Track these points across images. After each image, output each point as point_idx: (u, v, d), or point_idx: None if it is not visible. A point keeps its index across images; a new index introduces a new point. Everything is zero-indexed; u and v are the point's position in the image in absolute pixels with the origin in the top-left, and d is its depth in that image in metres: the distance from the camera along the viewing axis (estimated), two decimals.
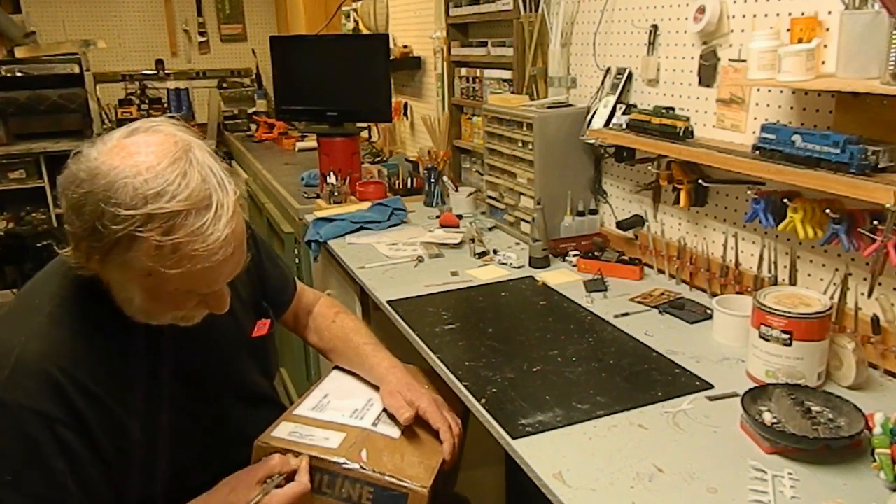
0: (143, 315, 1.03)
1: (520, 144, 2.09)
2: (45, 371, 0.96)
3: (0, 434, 0.93)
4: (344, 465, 1.13)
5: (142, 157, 0.92)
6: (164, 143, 0.95)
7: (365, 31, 3.63)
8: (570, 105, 2.07)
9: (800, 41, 1.33)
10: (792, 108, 1.44)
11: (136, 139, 0.96)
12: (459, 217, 2.40)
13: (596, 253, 1.92)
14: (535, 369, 1.36)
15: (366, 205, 2.51)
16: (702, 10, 1.58)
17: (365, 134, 3.67)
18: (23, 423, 0.93)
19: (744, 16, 1.52)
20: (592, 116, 1.95)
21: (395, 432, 1.22)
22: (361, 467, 1.13)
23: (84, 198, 0.91)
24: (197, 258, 0.93)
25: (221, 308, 1.06)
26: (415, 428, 1.25)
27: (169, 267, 0.93)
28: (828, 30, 1.32)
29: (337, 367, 1.44)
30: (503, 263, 1.97)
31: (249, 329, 1.29)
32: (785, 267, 1.49)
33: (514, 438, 1.13)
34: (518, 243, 2.15)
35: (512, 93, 2.41)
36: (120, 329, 1.05)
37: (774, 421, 1.10)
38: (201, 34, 5.23)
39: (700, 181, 1.66)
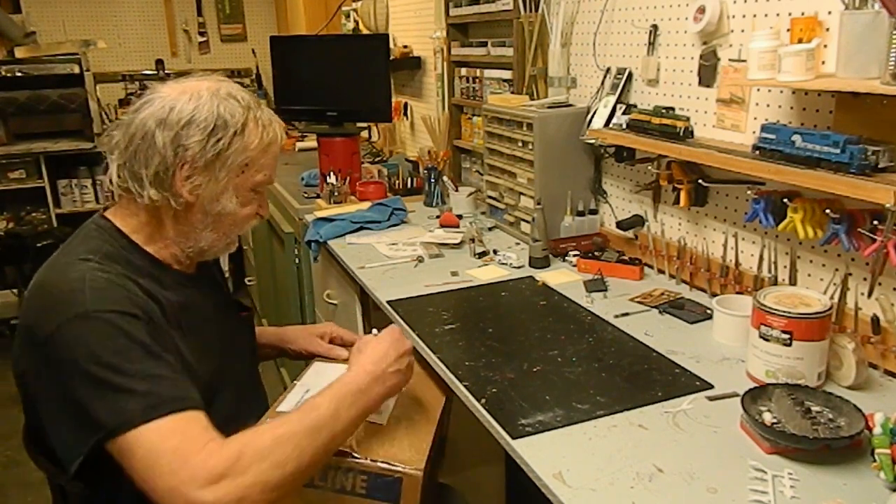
0: (213, 238, 1.22)
1: (520, 144, 2.09)
2: (117, 286, 1.08)
3: (108, 339, 1.02)
4: (334, 456, 1.13)
5: (206, 83, 1.19)
6: (202, 77, 1.22)
7: (365, 31, 3.63)
8: (570, 105, 2.07)
9: (800, 41, 1.33)
10: (792, 108, 1.44)
11: (180, 82, 1.19)
12: (459, 217, 2.40)
13: (596, 253, 1.92)
14: (535, 369, 1.36)
15: (366, 205, 2.51)
16: (702, 10, 1.58)
17: (365, 134, 3.66)
18: (122, 325, 1.03)
19: (744, 16, 1.52)
20: (592, 116, 1.95)
21: (381, 420, 1.24)
22: (353, 456, 1.14)
23: (194, 112, 1.13)
24: (276, 138, 1.23)
25: (267, 210, 1.31)
26: (401, 413, 1.27)
27: (266, 145, 1.20)
28: (828, 30, 1.32)
29: (316, 362, 1.44)
30: (503, 263, 1.97)
31: (236, 311, 1.47)
32: (785, 267, 1.49)
33: (514, 438, 1.13)
34: (518, 243, 2.15)
35: (512, 93, 2.41)
36: (152, 280, 1.17)
37: (774, 421, 1.10)
38: (201, 34, 5.22)
39: (700, 181, 1.66)
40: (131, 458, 0.97)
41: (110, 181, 1.18)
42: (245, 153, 1.18)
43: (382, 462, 1.13)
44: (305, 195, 2.81)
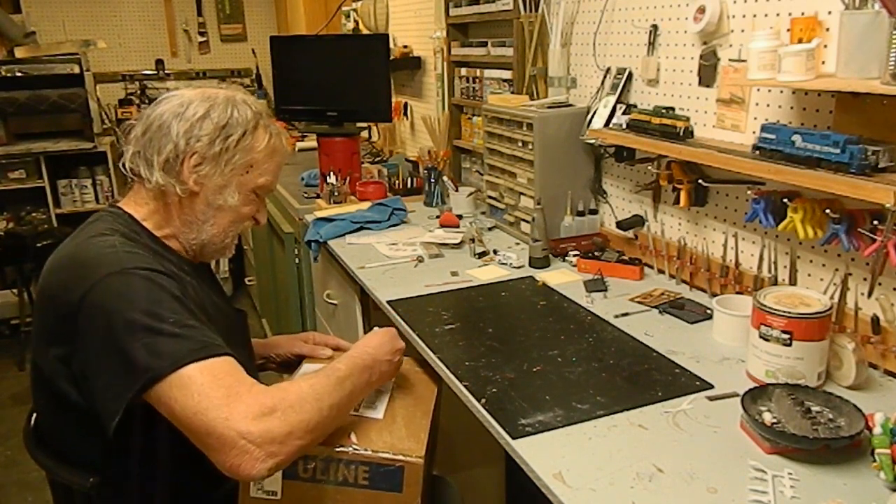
0: (213, 233, 1.28)
1: (520, 144, 2.09)
2: (144, 255, 1.15)
3: (146, 290, 1.07)
4: (336, 449, 1.14)
5: (223, 90, 1.29)
6: (219, 86, 1.32)
7: (365, 31, 3.63)
8: (570, 105, 2.07)
9: (800, 41, 1.33)
10: (792, 108, 1.44)
11: (199, 86, 1.29)
12: (459, 217, 2.40)
13: (596, 253, 1.92)
14: (535, 369, 1.36)
15: (366, 205, 2.51)
16: (702, 10, 1.58)
17: (365, 134, 3.66)
18: (157, 280, 1.10)
19: (744, 16, 1.52)
20: (592, 116, 1.95)
21: (378, 413, 1.26)
22: (353, 449, 1.15)
23: (209, 110, 1.23)
24: (281, 147, 1.33)
25: (264, 218, 1.38)
26: (396, 405, 1.29)
27: (272, 150, 1.29)
28: (828, 30, 1.32)
29: (305, 363, 1.45)
30: (503, 263, 1.97)
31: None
32: (785, 267, 1.49)
33: (514, 438, 1.13)
34: (518, 243, 2.15)
35: (512, 93, 2.41)
36: (167, 261, 1.22)
37: (774, 421, 1.10)
38: (201, 34, 5.22)
39: (700, 181, 1.66)
40: (184, 394, 1.00)
41: (123, 165, 1.26)
42: (251, 153, 1.26)
43: (383, 452, 1.15)
44: (305, 195, 2.81)
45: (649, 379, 1.31)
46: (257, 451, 0.99)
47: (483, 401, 1.25)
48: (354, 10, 3.75)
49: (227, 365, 1.06)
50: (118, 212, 1.25)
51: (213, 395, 1.00)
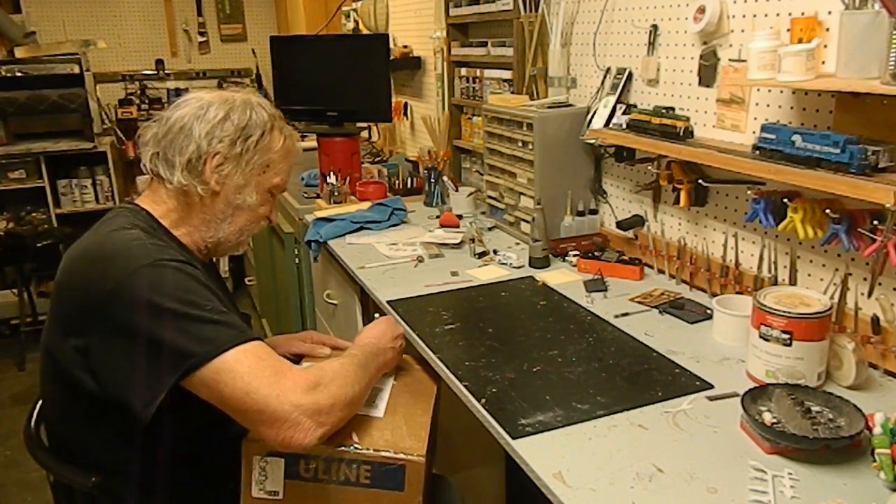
0: (230, 231, 1.32)
1: (520, 144, 2.09)
2: (169, 247, 1.20)
3: (181, 281, 1.11)
4: (337, 449, 1.14)
5: (239, 94, 1.32)
6: (235, 90, 1.37)
7: (365, 31, 3.63)
8: (570, 105, 2.07)
9: (800, 41, 1.33)
10: (792, 108, 1.44)
11: (215, 91, 1.34)
12: (459, 217, 2.40)
13: (596, 253, 1.92)
14: (535, 369, 1.36)
15: (366, 205, 2.51)
16: (702, 10, 1.58)
17: (365, 134, 3.66)
18: (188, 271, 1.13)
19: (744, 16, 1.52)
20: (592, 116, 1.95)
21: (378, 412, 1.26)
22: (355, 448, 1.15)
23: (229, 112, 1.27)
24: (294, 148, 1.38)
25: (276, 217, 1.43)
26: (396, 403, 1.30)
27: (286, 151, 1.34)
28: (828, 30, 1.32)
29: (304, 362, 1.45)
30: (503, 263, 1.97)
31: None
32: (785, 267, 1.49)
33: (514, 438, 1.13)
34: (518, 243, 2.15)
35: (512, 93, 2.41)
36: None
37: (774, 421, 1.10)
38: (201, 34, 5.22)
39: (700, 181, 1.66)
40: (232, 376, 1.05)
41: (143, 166, 1.29)
42: (268, 154, 1.31)
43: (385, 451, 1.15)
44: (305, 195, 2.81)
45: (649, 379, 1.31)
46: (308, 422, 1.06)
47: (483, 401, 1.25)
48: (354, 10, 3.75)
49: (263, 348, 1.11)
50: (136, 208, 1.28)
51: (261, 374, 1.06)
